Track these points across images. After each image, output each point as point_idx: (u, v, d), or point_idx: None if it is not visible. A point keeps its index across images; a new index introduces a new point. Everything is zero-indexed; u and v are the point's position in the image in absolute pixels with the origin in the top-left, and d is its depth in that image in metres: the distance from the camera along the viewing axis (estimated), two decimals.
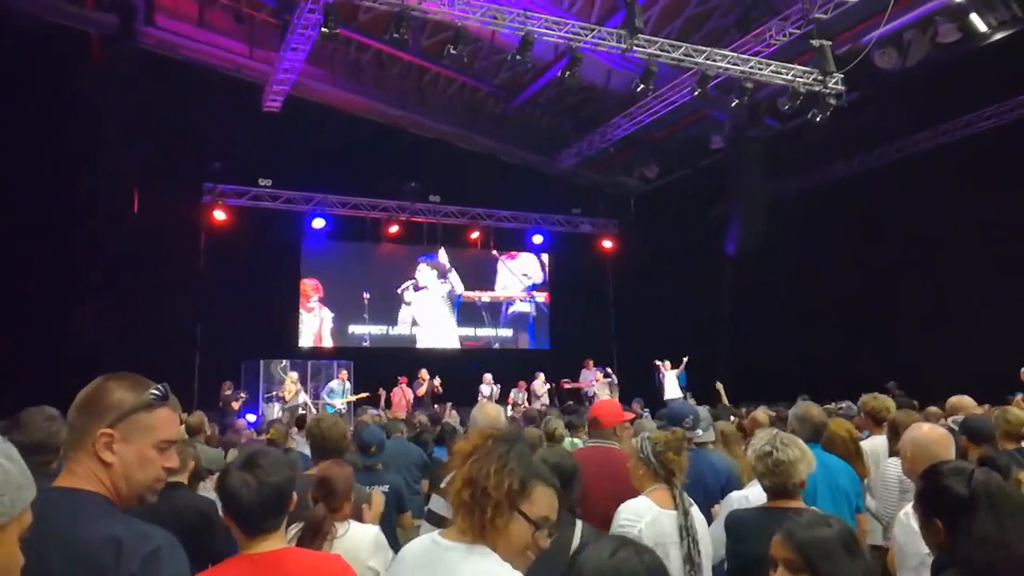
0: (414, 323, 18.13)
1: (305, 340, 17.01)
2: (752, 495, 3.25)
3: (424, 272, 18.45)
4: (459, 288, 18.71)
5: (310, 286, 17.20)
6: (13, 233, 11.53)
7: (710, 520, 3.31)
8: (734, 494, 3.33)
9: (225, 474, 2.11)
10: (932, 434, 3.14)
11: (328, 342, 17.21)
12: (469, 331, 18.78)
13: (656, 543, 2.72)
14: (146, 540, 1.43)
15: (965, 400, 5.53)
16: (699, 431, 4.00)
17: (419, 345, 18.00)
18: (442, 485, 3.04)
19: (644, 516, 2.78)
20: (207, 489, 4.20)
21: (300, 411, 12.66)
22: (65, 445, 1.60)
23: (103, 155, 12.58)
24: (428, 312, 18.36)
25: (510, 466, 1.77)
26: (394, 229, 17.79)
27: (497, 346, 19.06)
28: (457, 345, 18.55)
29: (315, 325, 17.24)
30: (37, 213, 12.02)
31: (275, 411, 13.42)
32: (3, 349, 10.99)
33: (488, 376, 15.26)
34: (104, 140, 12.50)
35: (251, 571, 1.96)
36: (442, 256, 18.60)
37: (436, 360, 15.92)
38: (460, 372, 15.72)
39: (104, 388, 1.57)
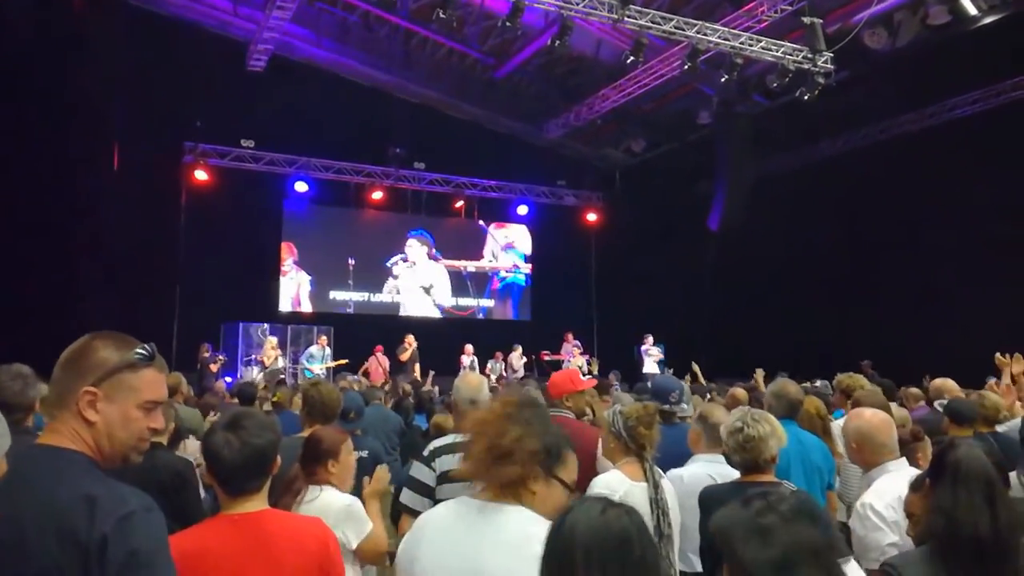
0: (397, 292, 18.06)
1: (284, 305, 16.91)
2: (687, 474, 3.29)
3: (414, 248, 18.33)
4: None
5: (284, 249, 16.99)
6: None
7: None
8: (671, 472, 3.31)
9: (209, 433, 2.12)
10: (874, 420, 3.09)
11: (307, 307, 17.10)
12: (452, 301, 18.74)
13: None
14: (122, 503, 1.41)
15: (949, 383, 5.56)
16: (684, 405, 4.03)
17: (402, 313, 17.97)
18: (425, 453, 3.05)
19: (617, 489, 2.82)
20: (192, 451, 4.21)
21: (280, 375, 12.65)
22: (49, 403, 1.58)
23: (84, 110, 12.33)
24: (416, 287, 18.27)
25: (540, 432, 1.82)
26: (378, 195, 17.55)
27: (481, 316, 19.05)
28: (439, 315, 18.53)
29: (292, 289, 17.11)
30: (21, 169, 11.82)
31: (254, 374, 13.35)
32: None
33: (468, 347, 15.29)
34: (86, 94, 12.25)
35: (230, 531, 1.98)
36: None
37: (418, 328, 15.86)
38: (442, 342, 15.70)
39: (89, 346, 1.56)
